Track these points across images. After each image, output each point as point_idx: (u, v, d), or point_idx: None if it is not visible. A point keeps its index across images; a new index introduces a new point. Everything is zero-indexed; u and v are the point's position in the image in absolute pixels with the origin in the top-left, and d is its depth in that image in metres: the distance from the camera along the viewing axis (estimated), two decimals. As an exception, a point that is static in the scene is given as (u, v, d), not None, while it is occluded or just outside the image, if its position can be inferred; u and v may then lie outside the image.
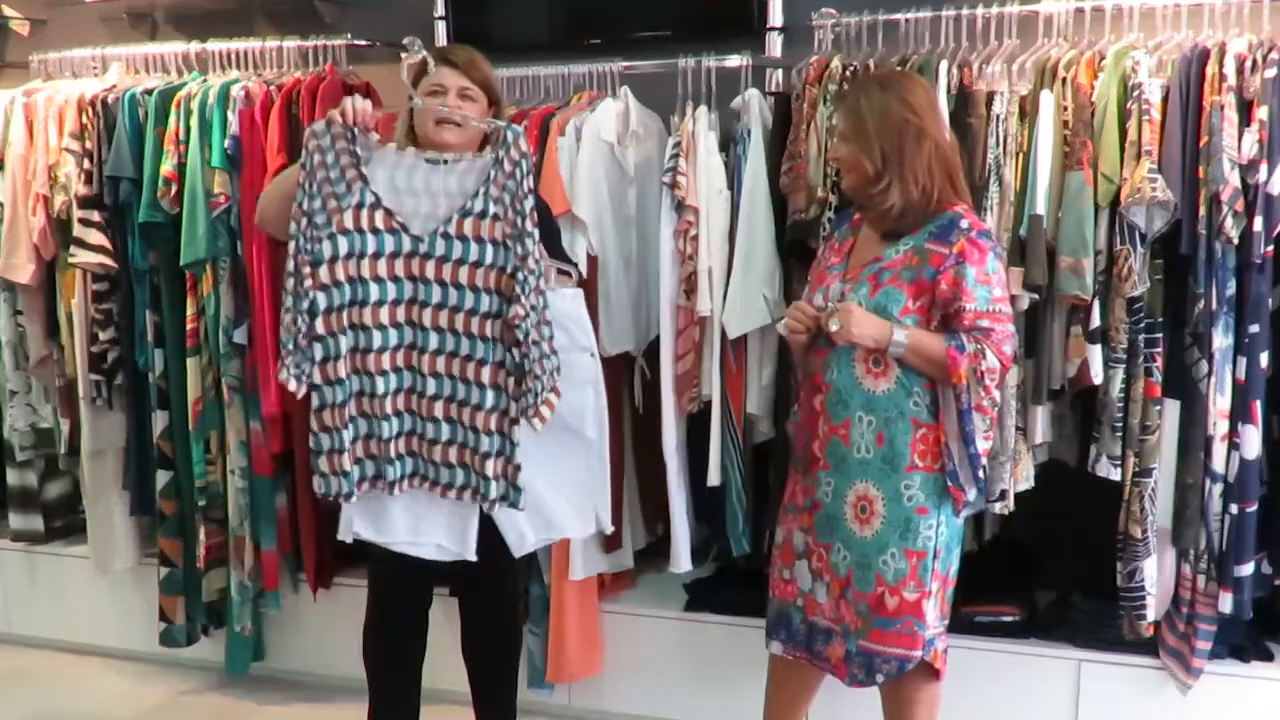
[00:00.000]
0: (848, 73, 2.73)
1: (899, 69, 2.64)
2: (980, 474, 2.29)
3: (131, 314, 3.33)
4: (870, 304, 2.25)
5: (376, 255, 2.25)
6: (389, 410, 2.30)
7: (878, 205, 2.29)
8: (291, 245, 2.24)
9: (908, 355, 2.24)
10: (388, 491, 2.34)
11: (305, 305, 2.24)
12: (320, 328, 2.25)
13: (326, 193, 2.23)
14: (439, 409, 2.31)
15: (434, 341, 2.28)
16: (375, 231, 2.24)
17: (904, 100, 2.26)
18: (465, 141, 2.39)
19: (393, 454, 2.32)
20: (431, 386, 2.30)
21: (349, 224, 2.23)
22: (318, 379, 2.28)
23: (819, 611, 2.40)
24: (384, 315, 2.27)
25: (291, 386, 2.29)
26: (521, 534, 2.43)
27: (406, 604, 2.61)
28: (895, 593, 2.28)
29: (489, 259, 2.25)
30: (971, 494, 2.31)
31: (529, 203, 2.25)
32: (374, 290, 2.25)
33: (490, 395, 2.28)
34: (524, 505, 2.34)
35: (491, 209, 2.25)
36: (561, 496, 2.45)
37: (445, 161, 2.27)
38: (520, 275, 2.23)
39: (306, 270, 2.24)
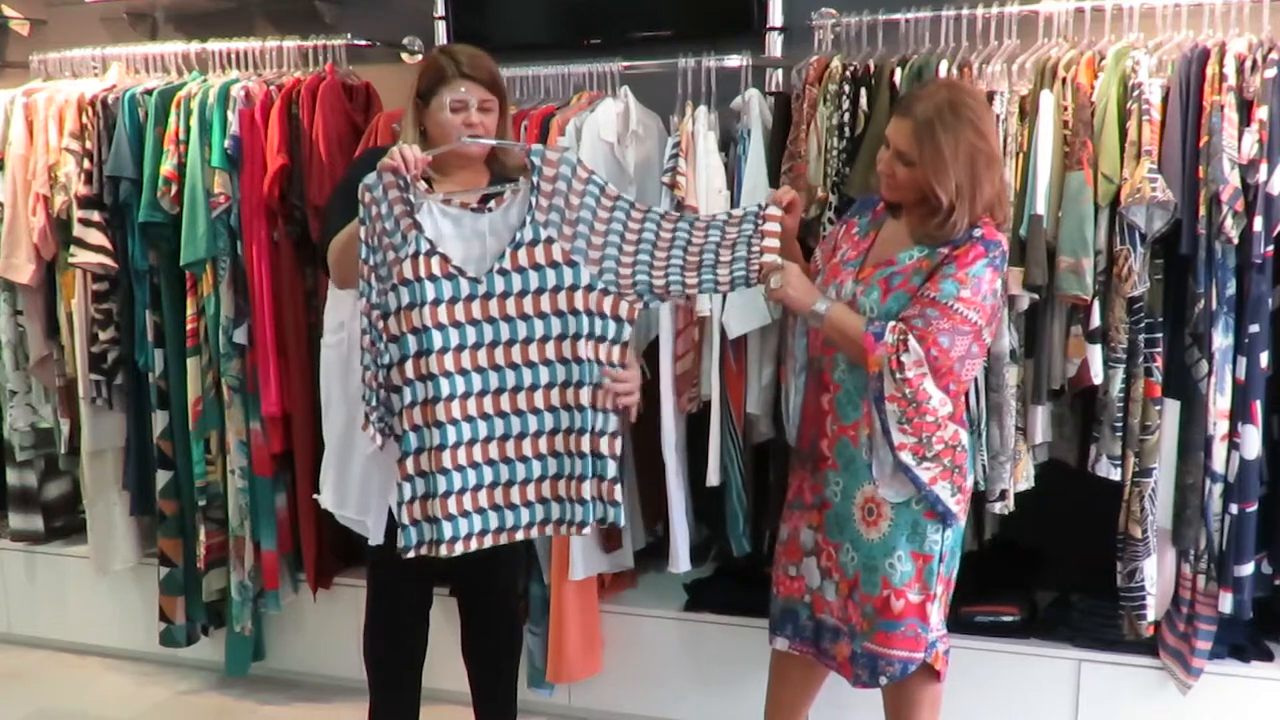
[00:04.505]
0: (848, 72, 2.73)
1: (955, 82, 2.55)
2: (913, 470, 2.23)
3: (131, 314, 3.33)
4: (881, 309, 2.25)
5: (436, 302, 2.22)
6: (463, 462, 2.26)
7: (938, 230, 2.23)
8: (362, 302, 2.23)
9: (826, 328, 2.26)
10: (445, 550, 2.28)
11: (384, 360, 2.23)
12: (396, 378, 2.24)
13: (386, 244, 2.21)
14: (536, 445, 2.29)
15: (511, 379, 2.26)
16: (433, 279, 2.22)
17: (977, 128, 2.19)
18: (484, 151, 2.42)
19: (470, 508, 2.28)
20: (517, 425, 2.27)
21: (408, 274, 2.20)
22: (398, 428, 2.25)
23: (827, 609, 2.40)
24: (449, 362, 2.23)
25: (378, 442, 2.27)
26: None
27: (406, 604, 2.61)
28: (900, 595, 2.28)
29: (553, 281, 2.24)
30: (901, 494, 2.27)
31: (587, 210, 2.23)
32: (437, 338, 2.22)
33: (590, 417, 2.27)
34: (624, 522, 2.34)
35: (543, 234, 2.24)
36: None
37: (490, 209, 2.26)
38: (609, 278, 2.24)
39: (381, 325, 2.22)
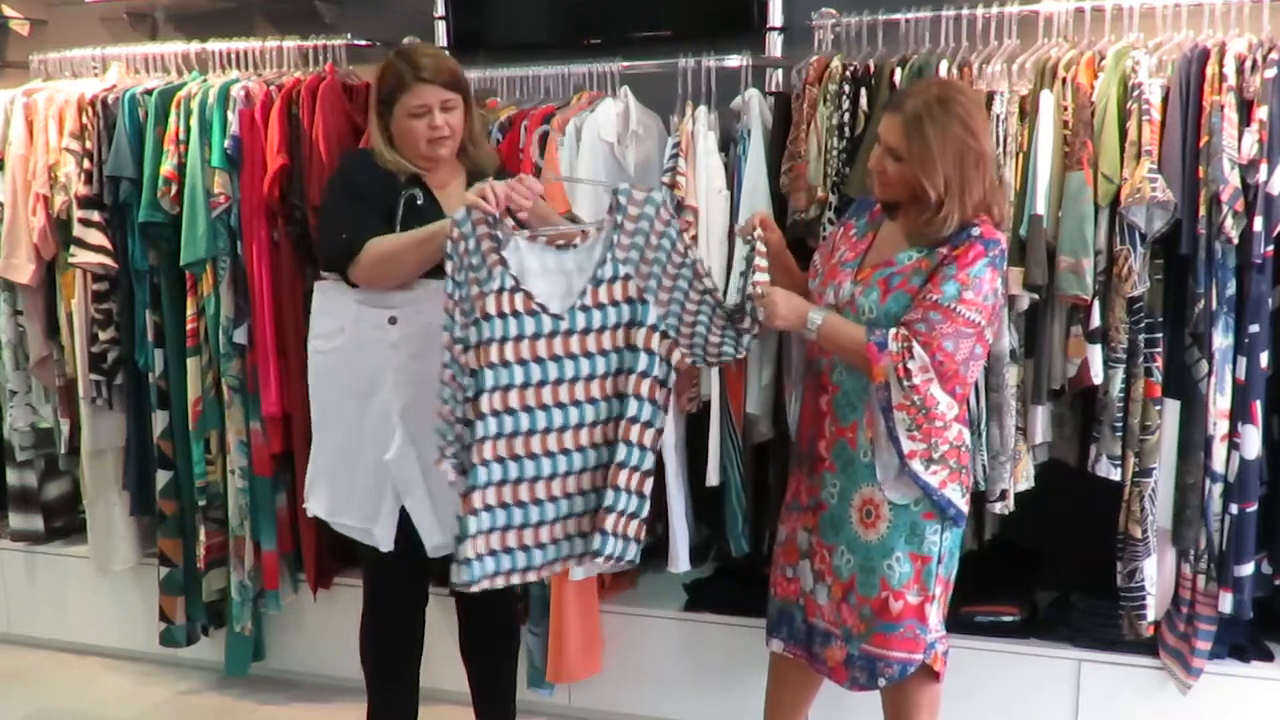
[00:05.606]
0: (848, 72, 2.73)
1: (948, 80, 2.57)
2: (921, 475, 2.23)
3: (131, 314, 3.33)
4: (881, 310, 2.24)
5: (519, 338, 2.23)
6: (542, 496, 2.28)
7: (927, 227, 2.23)
8: (445, 336, 2.23)
9: (823, 341, 2.26)
10: (518, 579, 2.32)
11: (461, 395, 2.24)
12: (470, 412, 2.24)
13: (471, 279, 2.22)
14: (583, 482, 2.31)
15: (574, 416, 2.28)
16: (516, 315, 2.23)
17: (966, 125, 2.18)
18: (453, 152, 2.43)
19: (545, 539, 2.31)
20: (564, 463, 2.29)
21: (491, 309, 2.21)
22: (468, 462, 2.25)
23: (819, 613, 2.40)
24: (530, 398, 2.24)
25: (451, 478, 2.27)
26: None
27: (402, 603, 2.61)
28: (899, 596, 2.28)
29: (621, 318, 2.27)
30: (907, 496, 2.27)
31: (663, 253, 2.26)
32: (518, 373, 2.23)
33: (636, 453, 2.29)
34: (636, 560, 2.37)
35: (621, 271, 2.26)
36: None
37: (575, 246, 2.27)
38: (671, 323, 2.28)
39: (463, 360, 2.23)
